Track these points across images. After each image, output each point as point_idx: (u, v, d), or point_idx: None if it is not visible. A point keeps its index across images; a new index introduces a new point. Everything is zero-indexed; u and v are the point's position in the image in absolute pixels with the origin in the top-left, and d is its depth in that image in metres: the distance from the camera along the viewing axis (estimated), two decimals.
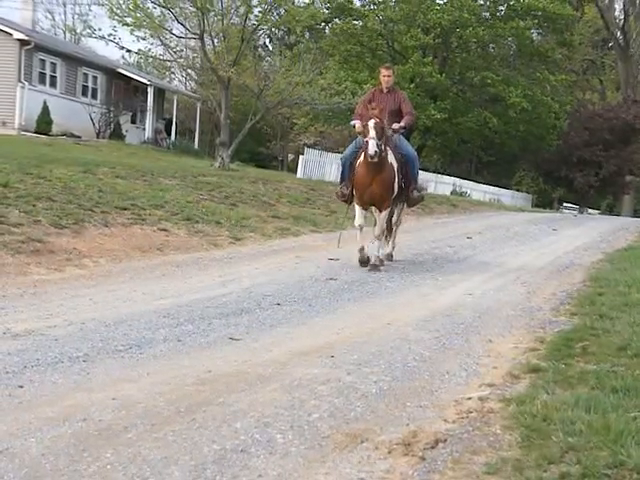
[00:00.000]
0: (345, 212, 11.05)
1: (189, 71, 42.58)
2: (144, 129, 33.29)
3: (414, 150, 10.69)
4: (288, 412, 4.24)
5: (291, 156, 48.24)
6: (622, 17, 50.75)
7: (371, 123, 9.22)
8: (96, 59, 34.07)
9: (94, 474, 3.37)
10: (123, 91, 32.65)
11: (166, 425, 3.96)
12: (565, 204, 45.43)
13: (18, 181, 11.51)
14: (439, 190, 32.78)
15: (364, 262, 9.76)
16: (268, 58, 46.44)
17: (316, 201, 17.53)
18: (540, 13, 38.07)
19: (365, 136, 9.33)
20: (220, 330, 6.18)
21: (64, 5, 59.23)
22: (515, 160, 46.26)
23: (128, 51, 31.32)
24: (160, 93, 35.69)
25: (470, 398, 4.65)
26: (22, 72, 27.04)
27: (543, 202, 44.50)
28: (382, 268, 10.01)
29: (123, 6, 23.04)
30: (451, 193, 33.27)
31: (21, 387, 4.49)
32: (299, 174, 27.85)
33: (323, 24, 39.29)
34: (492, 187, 40.22)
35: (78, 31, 48.72)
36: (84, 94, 30.72)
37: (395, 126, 9.93)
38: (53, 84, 29.07)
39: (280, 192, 17.78)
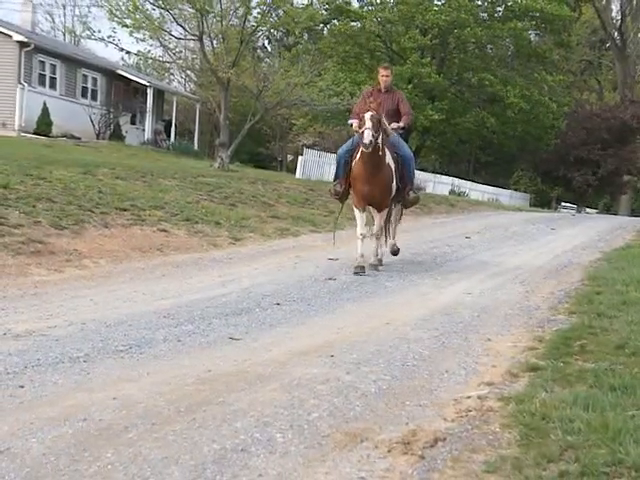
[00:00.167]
0: (339, 210, 11.00)
1: (188, 72, 42.61)
2: (144, 130, 33.30)
3: (410, 151, 10.62)
4: (288, 411, 4.24)
5: (290, 157, 48.25)
6: (619, 17, 50.86)
7: (367, 115, 9.12)
8: (96, 61, 34.08)
9: (95, 474, 3.37)
10: (123, 92, 32.67)
11: (166, 425, 3.96)
12: (563, 204, 45.43)
13: (18, 182, 11.52)
14: (437, 190, 32.81)
15: (361, 269, 9.51)
16: (267, 59, 46.53)
17: (315, 201, 17.53)
18: (538, 14, 38.24)
19: (360, 128, 9.18)
20: (220, 330, 6.19)
21: (64, 7, 59.37)
22: (513, 160, 46.34)
23: (127, 52, 31.62)
24: (160, 94, 35.71)
25: (469, 397, 4.65)
26: (22, 74, 27.07)
27: (541, 202, 44.52)
28: (380, 268, 10.04)
29: (122, 8, 23.11)
30: (449, 193, 33.32)
31: (22, 387, 4.49)
32: (298, 174, 27.85)
33: (322, 25, 39.42)
34: (490, 187, 40.30)
35: (78, 33, 48.76)
36: (84, 95, 30.75)
37: (394, 126, 9.89)
38: (53, 86, 29.10)
39: (279, 192, 17.80)
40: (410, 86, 35.29)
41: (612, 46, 51.48)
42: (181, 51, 30.79)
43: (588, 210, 44.20)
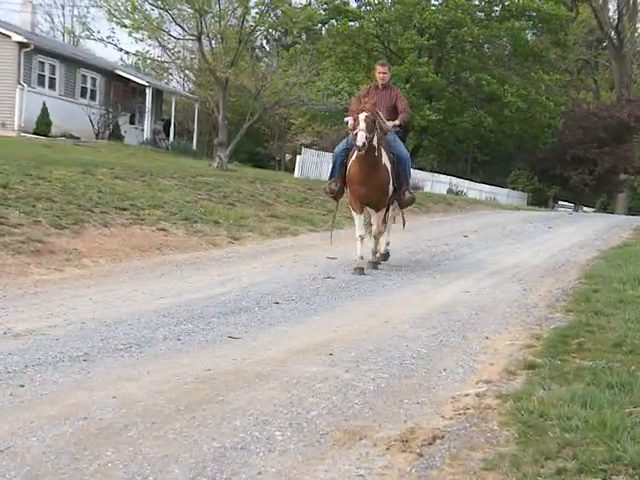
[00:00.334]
0: (335, 209, 10.95)
1: (187, 72, 42.46)
2: (143, 130, 33.29)
3: (407, 151, 10.51)
4: (287, 410, 4.26)
5: (288, 156, 48.25)
6: (616, 17, 50.92)
7: (362, 116, 9.01)
8: (95, 61, 34.07)
9: (95, 472, 3.38)
10: (122, 92, 32.66)
11: (166, 423, 3.98)
12: (560, 202, 45.47)
13: (18, 182, 11.52)
14: (435, 189, 32.82)
15: (360, 270, 9.45)
16: (265, 59, 46.49)
17: (313, 200, 17.52)
18: (535, 13, 38.34)
19: (355, 129, 9.08)
20: (219, 329, 6.20)
21: (63, 7, 59.03)
22: (510, 159, 46.39)
23: (126, 53, 31.54)
24: (158, 94, 35.69)
25: (467, 395, 4.68)
26: (21, 74, 27.07)
27: (538, 200, 44.54)
28: (379, 266, 10.05)
29: (121, 8, 23.09)
30: (447, 192, 33.33)
31: (22, 386, 4.51)
32: (296, 174, 27.84)
33: (320, 25, 39.36)
34: (488, 186, 40.33)
35: (77, 33, 48.64)
36: (83, 95, 30.74)
37: (390, 124, 9.77)
38: (52, 86, 29.09)
39: (278, 192, 17.80)
40: (408, 85, 35.30)
41: (609, 45, 51.55)
42: (180, 51, 30.80)
43: (585, 209, 44.29)
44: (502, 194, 40.78)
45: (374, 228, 9.88)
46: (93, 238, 10.14)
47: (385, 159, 9.56)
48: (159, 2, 23.30)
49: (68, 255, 9.22)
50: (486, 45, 41.01)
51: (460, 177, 39.05)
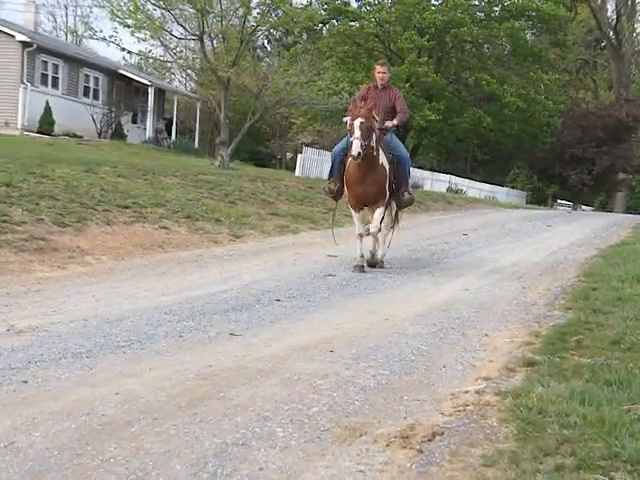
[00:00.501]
0: (335, 209, 10.92)
1: (189, 72, 42.57)
2: (145, 129, 33.31)
3: (407, 151, 10.42)
4: (288, 406, 4.28)
5: (289, 155, 48.22)
6: (614, 17, 50.84)
7: (357, 122, 8.93)
8: (97, 60, 34.11)
9: (97, 468, 3.40)
10: (124, 92, 32.68)
11: (168, 419, 4.00)
12: (559, 201, 45.49)
13: (21, 180, 11.56)
14: (435, 188, 32.80)
15: (360, 268, 9.48)
16: (267, 59, 46.48)
17: (314, 199, 17.52)
18: (534, 14, 38.41)
19: (351, 135, 9.02)
20: (221, 326, 6.22)
21: (66, 7, 59.21)
22: (510, 158, 46.41)
23: (129, 52, 31.60)
24: (160, 93, 35.72)
25: (467, 391, 4.69)
26: (25, 73, 27.15)
27: (537, 199, 44.57)
28: (378, 266, 10.00)
29: (124, 8, 23.18)
30: (447, 191, 33.32)
31: (25, 382, 4.53)
32: (297, 172, 27.86)
33: (320, 25, 39.38)
34: (487, 184, 40.35)
35: (79, 33, 48.80)
36: (86, 95, 30.78)
37: (388, 124, 9.72)
38: (55, 85, 29.14)
39: (279, 190, 17.82)
40: (407, 85, 35.30)
41: (607, 45, 51.53)
42: (182, 51, 30.78)
43: (584, 207, 44.30)
44: (501, 193, 40.79)
45: (372, 226, 9.69)
46: (96, 236, 10.17)
47: (383, 158, 9.51)
48: (161, 2, 23.38)
49: (71, 253, 9.25)
50: (486, 45, 41.10)
51: (460, 176, 39.05)
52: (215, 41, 25.40)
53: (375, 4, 38.85)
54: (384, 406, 4.39)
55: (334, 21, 39.61)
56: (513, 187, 45.64)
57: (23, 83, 26.94)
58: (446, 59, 40.16)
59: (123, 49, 28.09)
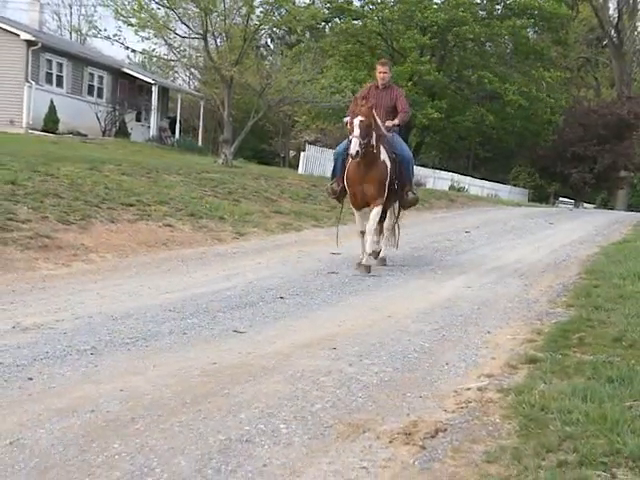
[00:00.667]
0: (340, 210, 10.82)
1: (192, 70, 42.48)
2: (149, 127, 33.37)
3: (409, 150, 10.34)
4: (291, 403, 4.30)
5: (293, 153, 48.13)
6: (616, 15, 50.80)
7: (356, 121, 8.88)
8: (101, 59, 34.16)
9: (102, 464, 3.42)
10: (128, 90, 32.72)
11: (172, 416, 4.02)
12: (561, 199, 45.43)
13: (26, 178, 11.60)
14: (437, 185, 32.82)
15: (367, 269, 9.33)
16: (270, 57, 46.42)
17: (317, 197, 17.52)
18: (536, 12, 38.39)
19: (351, 133, 8.95)
20: (224, 323, 6.25)
21: (70, 6, 58.97)
22: (512, 156, 46.39)
23: (133, 51, 31.80)
24: (164, 92, 35.75)
25: (469, 388, 4.71)
26: (29, 72, 27.19)
27: (539, 197, 44.58)
28: (380, 264, 9.94)
29: (128, 7, 23.21)
30: (449, 188, 33.33)
31: (31, 379, 4.56)
32: (300, 170, 27.87)
33: (323, 24, 39.40)
34: (489, 182, 40.33)
35: (84, 32, 48.54)
36: (90, 93, 30.83)
37: (389, 123, 9.65)
38: (60, 84, 29.19)
39: (282, 188, 17.85)
40: (410, 84, 35.27)
41: (609, 44, 51.49)
42: (185, 49, 30.72)
43: (586, 205, 44.26)
44: (504, 190, 40.75)
45: (369, 224, 9.42)
46: (100, 234, 10.20)
47: (384, 156, 9.42)
48: (165, 1, 23.40)
49: (75, 250, 9.29)
50: (488, 43, 41.09)
51: (462, 174, 39.01)
52: (218, 40, 25.42)
53: (378, 2, 38.82)
54: (387, 403, 4.41)
55: (337, 19, 39.61)
56: (515, 185, 45.61)
57: (28, 82, 26.98)
58: (448, 57, 40.15)
59: (127, 48, 28.34)
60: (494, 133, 40.57)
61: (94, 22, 42.10)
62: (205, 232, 11.73)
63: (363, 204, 9.58)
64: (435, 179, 34.42)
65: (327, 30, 41.41)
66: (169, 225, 11.49)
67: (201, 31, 23.96)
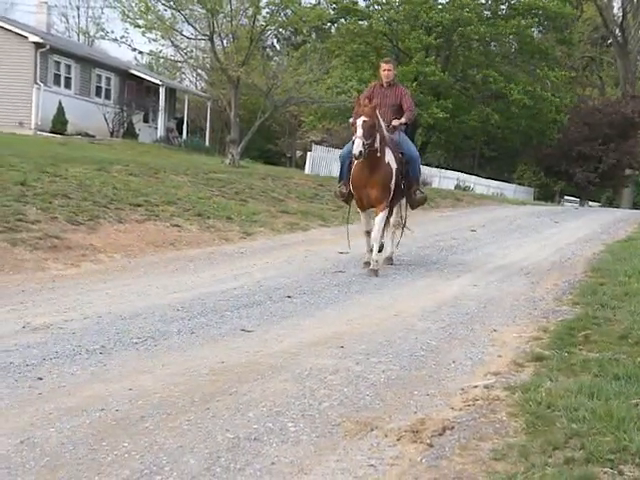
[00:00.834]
0: (348, 211, 10.70)
1: (199, 71, 42.57)
2: (156, 128, 33.47)
3: (416, 150, 10.23)
4: (299, 401, 4.32)
5: (299, 153, 48.15)
6: (620, 15, 50.56)
7: (359, 121, 8.78)
8: (109, 60, 34.27)
9: (112, 463, 3.44)
10: (135, 91, 32.82)
11: (181, 415, 4.04)
12: (566, 197, 45.39)
13: (35, 179, 11.66)
14: (443, 185, 32.81)
15: (369, 265, 9.32)
16: (276, 58, 46.37)
17: (324, 196, 17.52)
18: (540, 12, 38.39)
19: (354, 134, 8.84)
20: (232, 322, 6.28)
21: (78, 8, 59.13)
22: (517, 155, 46.38)
23: (140, 52, 31.75)
24: (171, 93, 35.84)
25: (476, 386, 4.72)
26: (38, 74, 27.34)
27: (545, 195, 44.52)
28: (387, 263, 9.93)
29: (135, 9, 23.30)
30: (455, 187, 33.34)
31: (41, 379, 4.59)
32: (307, 170, 27.91)
33: (329, 24, 39.44)
34: (495, 181, 40.31)
35: (91, 34, 48.92)
36: (98, 94, 30.96)
37: (395, 122, 9.58)
38: (68, 85, 29.34)
39: (289, 188, 17.86)
40: (415, 84, 35.24)
41: (613, 43, 51.31)
42: (192, 50, 30.73)
43: (591, 203, 44.21)
44: (509, 189, 40.70)
45: (374, 232, 9.32)
46: (108, 234, 10.24)
47: (390, 158, 9.32)
48: (172, 3, 23.47)
49: (84, 251, 9.33)
50: (492, 43, 41.08)
51: (467, 173, 38.98)
52: (225, 41, 25.48)
53: (383, 3, 38.84)
54: (394, 401, 4.43)
55: (343, 20, 39.62)
56: (520, 184, 45.53)
57: (36, 83, 27.13)
58: (453, 57, 40.16)
59: (134, 49, 28.23)
60: (499, 132, 40.55)
61: (101, 24, 42.50)
62: (212, 232, 11.75)
63: (368, 207, 9.56)
64: (441, 178, 34.39)
65: (333, 30, 41.44)
66: (177, 225, 11.52)
67: (208, 32, 24.03)
